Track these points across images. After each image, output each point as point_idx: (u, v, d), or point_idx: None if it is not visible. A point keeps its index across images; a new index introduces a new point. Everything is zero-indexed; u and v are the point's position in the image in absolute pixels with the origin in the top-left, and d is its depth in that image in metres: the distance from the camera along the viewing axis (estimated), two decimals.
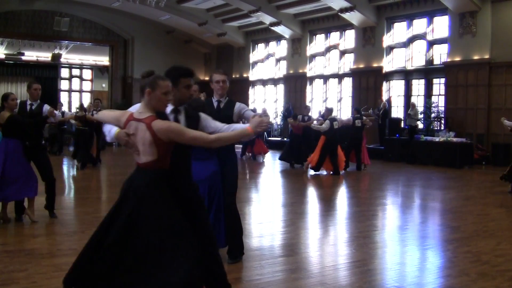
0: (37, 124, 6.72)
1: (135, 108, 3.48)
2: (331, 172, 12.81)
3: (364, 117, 13.99)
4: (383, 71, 18.91)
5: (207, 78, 27.75)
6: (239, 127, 3.64)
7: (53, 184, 6.80)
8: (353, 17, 18.88)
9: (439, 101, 17.51)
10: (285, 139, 14.59)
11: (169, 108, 3.60)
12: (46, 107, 6.82)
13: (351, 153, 13.79)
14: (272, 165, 15.15)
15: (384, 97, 18.82)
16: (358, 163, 13.62)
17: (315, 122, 14.01)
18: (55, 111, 6.80)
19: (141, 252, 3.10)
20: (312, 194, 10.55)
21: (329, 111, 13.47)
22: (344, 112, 21.04)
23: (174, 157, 3.34)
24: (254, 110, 15.82)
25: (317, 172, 12.91)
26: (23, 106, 6.76)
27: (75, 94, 31.47)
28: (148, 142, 3.19)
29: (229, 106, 4.87)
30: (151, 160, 3.22)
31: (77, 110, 15.13)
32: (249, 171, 13.91)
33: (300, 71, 22.27)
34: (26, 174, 6.42)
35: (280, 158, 14.64)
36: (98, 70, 31.20)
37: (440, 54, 17.52)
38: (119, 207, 3.23)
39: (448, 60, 16.74)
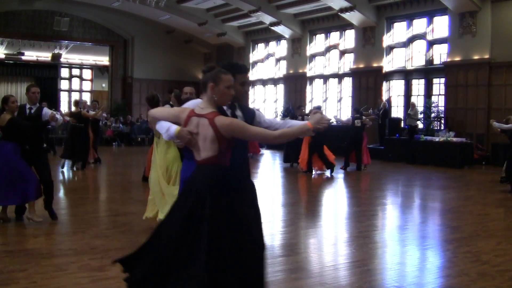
0: (37, 128, 6.64)
1: (191, 104, 3.43)
2: (324, 170, 12.86)
3: (364, 117, 13.98)
4: (383, 71, 18.91)
5: None
6: (296, 123, 3.52)
7: (50, 187, 6.72)
8: (353, 17, 18.89)
9: (439, 101, 17.51)
10: None
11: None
12: (46, 111, 6.72)
13: (351, 153, 13.78)
14: (272, 165, 15.14)
15: (384, 97, 18.82)
16: (358, 163, 13.60)
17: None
18: (57, 115, 6.70)
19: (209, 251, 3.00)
20: (312, 194, 10.54)
21: (317, 108, 13.54)
22: (344, 112, 21.03)
23: (233, 154, 3.24)
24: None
25: (317, 172, 12.93)
26: (23, 109, 6.67)
27: (75, 94, 31.45)
28: (210, 138, 3.12)
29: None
30: (212, 156, 3.14)
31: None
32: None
33: (300, 71, 22.27)
34: (24, 178, 6.30)
35: (285, 161, 14.71)
36: (98, 70, 31.20)
37: (440, 54, 17.53)
38: (184, 209, 3.12)
39: (448, 60, 16.74)
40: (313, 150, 12.76)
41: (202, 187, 3.12)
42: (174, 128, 3.26)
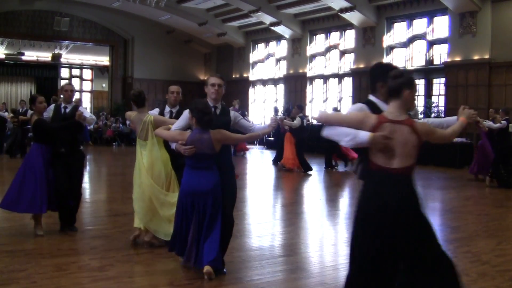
0: (67, 128, 6.05)
1: (356, 108, 3.54)
2: (303, 170, 13.06)
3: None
4: None
5: (206, 78, 27.76)
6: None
7: (78, 200, 6.17)
8: (353, 17, 18.88)
9: (439, 101, 17.51)
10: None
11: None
12: (82, 110, 6.21)
13: (334, 153, 13.90)
14: (271, 165, 15.12)
15: None
16: (345, 160, 13.81)
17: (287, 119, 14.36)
18: (85, 114, 6.11)
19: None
20: (312, 194, 10.54)
21: (300, 108, 13.82)
22: (344, 112, 21.01)
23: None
24: (243, 114, 15.95)
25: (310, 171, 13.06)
26: (58, 109, 6.23)
27: (75, 94, 31.46)
28: (412, 144, 3.10)
29: (225, 112, 4.78)
30: (411, 164, 3.12)
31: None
32: (248, 171, 13.90)
33: (300, 71, 22.27)
34: (37, 186, 5.75)
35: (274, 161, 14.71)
36: (98, 70, 31.22)
37: (440, 54, 17.52)
38: (385, 227, 3.07)
39: (448, 60, 16.74)
40: (300, 148, 13.02)
41: (402, 199, 3.10)
42: (365, 134, 3.09)
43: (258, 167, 14.76)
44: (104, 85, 30.35)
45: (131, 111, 6.28)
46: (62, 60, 28.43)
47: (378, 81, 3.53)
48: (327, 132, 3.25)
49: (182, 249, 4.57)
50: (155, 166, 5.42)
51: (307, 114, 18.57)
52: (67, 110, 6.22)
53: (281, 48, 23.83)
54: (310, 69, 22.07)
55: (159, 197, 5.31)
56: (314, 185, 11.74)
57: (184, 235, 4.53)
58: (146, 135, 5.47)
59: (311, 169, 13.09)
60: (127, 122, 6.62)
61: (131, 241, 5.53)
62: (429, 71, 17.84)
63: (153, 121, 5.42)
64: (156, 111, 6.03)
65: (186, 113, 4.59)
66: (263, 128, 4.84)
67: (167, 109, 5.92)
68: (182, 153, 4.43)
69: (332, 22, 20.69)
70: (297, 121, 13.07)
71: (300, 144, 13.07)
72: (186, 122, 4.60)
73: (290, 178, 12.56)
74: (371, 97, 3.61)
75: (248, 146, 18.67)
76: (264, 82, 24.78)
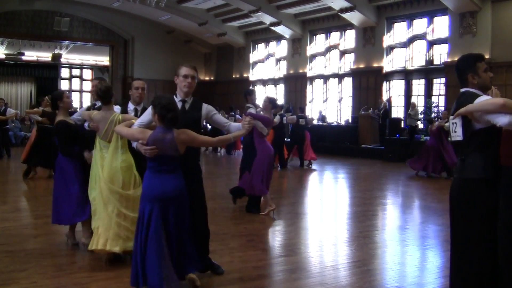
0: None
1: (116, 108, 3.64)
2: (279, 167, 13.63)
3: (306, 117, 15.00)
4: (383, 71, 18.91)
5: (207, 78, 27.80)
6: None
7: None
8: (353, 17, 18.89)
9: (439, 101, 17.51)
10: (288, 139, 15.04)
11: None
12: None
13: (295, 150, 14.46)
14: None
15: (384, 97, 18.82)
16: (301, 160, 14.27)
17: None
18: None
19: None
20: (312, 194, 10.54)
21: (279, 107, 14.24)
22: (344, 112, 21.04)
23: None
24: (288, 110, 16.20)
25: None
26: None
27: (76, 94, 31.50)
28: None
29: (196, 107, 4.26)
30: None
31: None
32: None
33: (300, 71, 22.28)
34: (81, 193, 5.23)
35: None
36: (98, 70, 31.23)
37: (440, 54, 17.53)
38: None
39: (448, 60, 16.73)
40: (279, 145, 13.52)
41: None
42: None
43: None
44: None
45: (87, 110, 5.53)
46: (62, 60, 28.46)
47: (467, 73, 3.42)
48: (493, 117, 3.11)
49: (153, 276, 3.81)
50: (115, 176, 4.67)
51: (307, 114, 18.58)
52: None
53: (281, 48, 23.84)
54: (310, 69, 22.08)
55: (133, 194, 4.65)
56: (314, 185, 11.74)
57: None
58: (111, 136, 4.76)
59: (285, 167, 13.81)
60: (86, 124, 5.28)
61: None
62: (429, 71, 17.84)
63: (121, 120, 4.68)
64: (117, 109, 5.17)
65: (150, 109, 4.07)
66: (237, 129, 4.23)
67: (131, 106, 5.29)
68: (143, 153, 3.89)
69: (332, 22, 20.70)
70: (276, 119, 13.27)
71: (279, 141, 13.49)
72: (150, 118, 4.07)
73: (290, 178, 12.56)
74: (469, 89, 3.47)
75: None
76: (264, 82, 24.79)
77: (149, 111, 4.07)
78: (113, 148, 4.72)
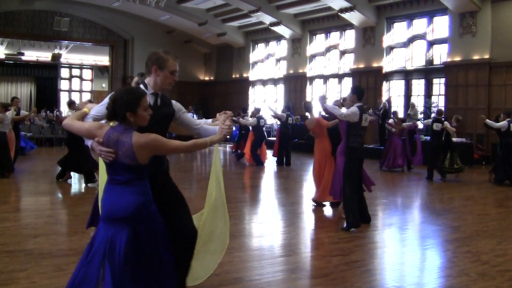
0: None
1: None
2: (255, 163, 14.42)
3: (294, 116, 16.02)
4: (383, 71, 18.91)
5: (206, 78, 27.79)
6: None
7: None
8: (353, 17, 18.88)
9: (439, 101, 17.51)
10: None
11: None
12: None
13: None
14: (271, 165, 15.13)
15: (384, 97, 18.82)
16: (287, 159, 14.90)
17: (245, 118, 15.65)
18: None
19: None
20: (312, 194, 10.53)
21: (257, 110, 15.33)
22: None
23: None
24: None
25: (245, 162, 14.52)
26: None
27: (75, 94, 31.50)
28: None
29: (167, 103, 3.61)
30: None
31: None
32: (248, 171, 13.90)
33: (300, 71, 22.28)
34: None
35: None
36: (98, 70, 31.24)
37: (440, 54, 17.53)
38: None
39: (448, 60, 16.74)
40: (256, 145, 14.48)
41: None
42: None
43: (258, 167, 14.74)
44: (104, 85, 30.36)
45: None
46: (62, 60, 28.46)
47: None
48: None
49: None
50: None
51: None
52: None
53: (281, 48, 23.84)
54: (310, 69, 22.08)
55: None
56: (313, 185, 11.72)
57: None
58: None
59: (262, 164, 14.44)
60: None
61: None
62: (429, 71, 17.84)
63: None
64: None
65: (107, 98, 3.25)
66: (213, 134, 3.52)
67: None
68: (98, 155, 3.18)
69: (332, 22, 20.69)
70: (252, 120, 14.67)
71: (257, 141, 14.47)
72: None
73: (289, 179, 12.56)
74: None
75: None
76: (264, 82, 24.78)
77: (107, 100, 3.24)
78: None
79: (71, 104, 11.11)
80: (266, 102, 24.43)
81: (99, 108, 3.36)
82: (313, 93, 22.21)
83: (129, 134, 3.02)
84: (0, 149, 10.40)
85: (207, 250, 3.82)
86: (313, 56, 22.07)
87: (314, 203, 8.26)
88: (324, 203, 8.15)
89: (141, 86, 3.50)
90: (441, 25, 17.37)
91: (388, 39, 18.85)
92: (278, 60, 24.00)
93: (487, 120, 11.61)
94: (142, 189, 3.09)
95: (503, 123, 11.35)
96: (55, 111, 24.66)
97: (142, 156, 3.03)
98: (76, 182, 11.40)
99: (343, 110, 6.92)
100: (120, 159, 3.02)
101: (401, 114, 18.66)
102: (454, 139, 15.10)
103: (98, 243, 3.01)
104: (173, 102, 3.67)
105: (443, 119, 12.61)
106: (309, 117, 8.54)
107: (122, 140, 3.02)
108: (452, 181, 12.13)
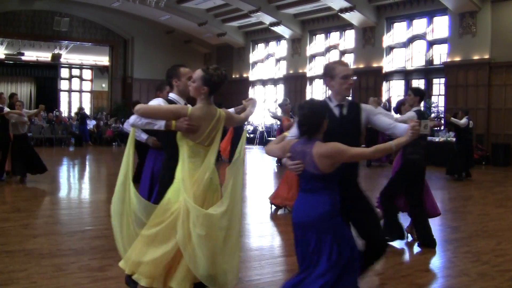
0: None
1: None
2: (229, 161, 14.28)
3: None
4: (383, 71, 18.91)
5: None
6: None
7: None
8: (353, 17, 18.89)
9: (439, 101, 17.51)
10: None
11: None
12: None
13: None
14: (272, 165, 15.13)
15: (384, 97, 18.82)
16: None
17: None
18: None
19: None
20: None
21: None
22: None
23: None
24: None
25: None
26: None
27: (75, 94, 31.51)
28: None
29: (355, 111, 3.57)
30: None
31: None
32: (248, 171, 13.90)
33: (300, 71, 22.28)
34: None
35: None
36: (98, 70, 31.24)
37: (440, 54, 17.53)
38: None
39: (448, 60, 16.74)
40: (235, 141, 14.20)
41: None
42: None
43: (258, 167, 14.75)
44: (104, 85, 30.36)
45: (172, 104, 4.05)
46: (62, 60, 28.46)
47: None
48: None
49: None
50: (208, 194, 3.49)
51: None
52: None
53: (281, 48, 23.84)
54: (310, 69, 22.08)
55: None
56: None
57: None
58: (212, 140, 3.55)
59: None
60: (142, 134, 5.14)
61: None
62: (429, 71, 17.84)
63: (225, 117, 3.64)
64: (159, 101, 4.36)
65: (295, 123, 3.37)
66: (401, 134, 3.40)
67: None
68: (289, 170, 3.34)
69: (332, 22, 20.69)
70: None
71: (236, 137, 14.17)
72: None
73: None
74: None
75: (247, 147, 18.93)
76: (264, 82, 24.79)
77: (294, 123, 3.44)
78: (211, 156, 3.50)
79: (135, 104, 10.45)
80: (266, 102, 24.46)
81: (292, 130, 3.48)
82: (313, 93, 22.21)
83: (311, 145, 3.18)
84: (28, 151, 10.06)
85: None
86: (313, 56, 22.07)
87: (273, 205, 7.67)
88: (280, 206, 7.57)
89: (327, 100, 3.56)
90: (441, 25, 17.37)
91: (388, 39, 18.85)
92: (278, 60, 24.00)
93: (452, 118, 11.88)
94: (329, 198, 3.21)
95: (464, 121, 11.68)
96: (54, 111, 24.66)
97: (325, 165, 3.14)
98: (76, 183, 11.40)
99: (397, 115, 6.29)
100: (306, 169, 3.20)
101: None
102: (454, 139, 15.15)
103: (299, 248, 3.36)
104: (363, 106, 3.61)
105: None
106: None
107: (305, 151, 3.20)
108: (452, 181, 12.14)
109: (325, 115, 3.22)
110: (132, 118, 3.54)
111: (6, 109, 9.73)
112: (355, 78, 3.60)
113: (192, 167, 3.44)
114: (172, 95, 4.16)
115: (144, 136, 5.26)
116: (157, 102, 4.33)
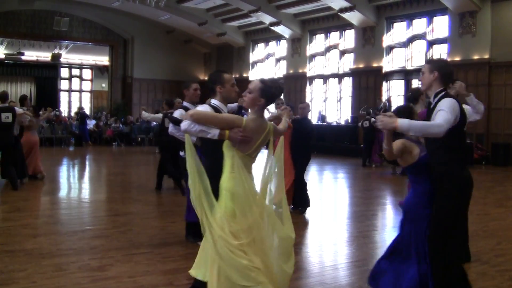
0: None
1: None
2: None
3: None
4: (383, 71, 18.91)
5: (206, 78, 27.76)
6: None
7: None
8: (353, 17, 18.89)
9: None
10: None
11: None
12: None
13: None
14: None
15: (384, 97, 18.82)
16: None
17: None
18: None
19: None
20: (311, 194, 10.53)
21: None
22: (344, 112, 21.03)
23: None
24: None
25: None
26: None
27: (75, 94, 31.51)
28: None
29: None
30: None
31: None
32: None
33: (300, 71, 22.28)
34: None
35: None
36: (98, 70, 31.24)
37: (440, 54, 17.52)
38: None
39: (448, 60, 16.73)
40: None
41: None
42: None
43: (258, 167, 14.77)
44: (104, 85, 30.36)
45: (228, 114, 4.15)
46: (62, 60, 28.46)
47: None
48: None
49: None
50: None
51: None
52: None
53: (280, 48, 23.84)
54: (310, 69, 22.08)
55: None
56: (314, 185, 11.73)
57: None
58: (258, 152, 3.60)
59: None
60: (214, 132, 3.37)
61: None
62: None
63: (273, 130, 3.61)
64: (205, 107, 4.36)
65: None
66: None
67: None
68: None
69: (332, 22, 20.69)
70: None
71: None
72: None
73: None
74: None
75: None
76: None
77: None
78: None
79: (169, 103, 9.41)
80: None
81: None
82: (313, 93, 22.22)
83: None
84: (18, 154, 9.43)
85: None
86: (313, 56, 22.07)
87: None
88: None
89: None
90: (441, 25, 17.37)
91: (388, 39, 18.85)
92: (278, 60, 24.00)
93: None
94: (423, 190, 3.66)
95: None
96: (54, 111, 24.65)
97: (401, 159, 3.66)
98: (75, 182, 11.41)
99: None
100: None
101: None
102: None
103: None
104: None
105: None
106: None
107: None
108: None
109: None
110: (185, 124, 3.37)
111: (19, 110, 9.31)
112: None
113: (240, 178, 3.41)
114: (214, 101, 4.24)
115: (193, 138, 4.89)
116: (204, 109, 4.23)
